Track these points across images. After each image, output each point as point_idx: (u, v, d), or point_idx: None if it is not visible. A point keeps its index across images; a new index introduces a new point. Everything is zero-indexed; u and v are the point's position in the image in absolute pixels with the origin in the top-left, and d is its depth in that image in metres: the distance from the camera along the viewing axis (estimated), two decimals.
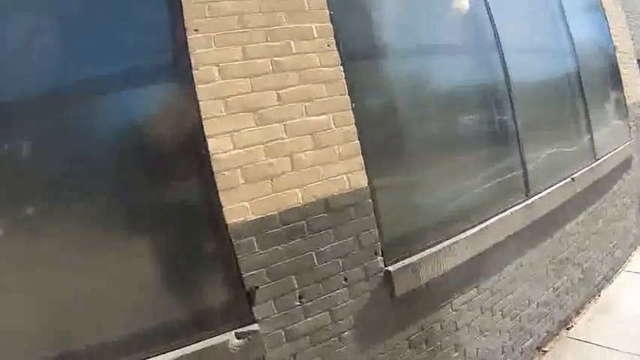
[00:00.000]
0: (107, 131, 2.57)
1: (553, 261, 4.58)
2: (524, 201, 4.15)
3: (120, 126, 2.61)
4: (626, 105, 6.71)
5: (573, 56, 5.50)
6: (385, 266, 3.10)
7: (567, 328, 4.86)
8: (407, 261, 3.20)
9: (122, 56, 2.57)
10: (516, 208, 4.02)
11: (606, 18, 6.69)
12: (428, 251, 3.31)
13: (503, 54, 4.24)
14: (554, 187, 4.49)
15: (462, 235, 3.54)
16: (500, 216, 3.86)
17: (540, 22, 5.35)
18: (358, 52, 3.22)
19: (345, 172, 2.96)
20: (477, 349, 3.73)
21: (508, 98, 4.21)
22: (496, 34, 4.24)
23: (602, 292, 5.53)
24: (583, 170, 5.04)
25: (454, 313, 3.54)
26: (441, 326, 3.46)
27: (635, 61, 7.67)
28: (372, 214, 3.06)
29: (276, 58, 2.78)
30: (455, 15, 4.16)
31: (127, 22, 2.58)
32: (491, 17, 4.24)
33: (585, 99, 5.48)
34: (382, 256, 3.10)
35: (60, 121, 2.40)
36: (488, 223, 3.74)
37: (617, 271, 5.98)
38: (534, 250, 4.31)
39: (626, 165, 6.32)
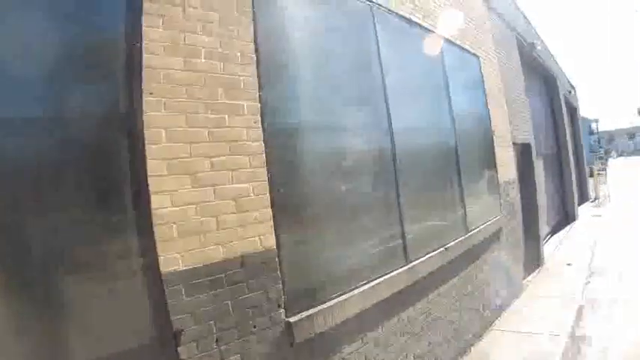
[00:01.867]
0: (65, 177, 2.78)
1: (428, 318, 5.59)
2: (404, 265, 5.12)
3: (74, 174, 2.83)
4: (498, 183, 8.12)
5: (453, 137, 6.83)
6: (287, 317, 3.75)
7: None
8: (305, 313, 3.89)
9: (82, 102, 2.85)
10: (398, 270, 4.98)
11: (487, 105, 8.17)
12: (324, 305, 4.05)
13: (393, 134, 5.31)
14: (430, 255, 5.55)
15: (353, 292, 4.37)
16: (384, 277, 4.77)
17: (427, 105, 6.60)
18: (278, 129, 3.82)
19: (259, 234, 3.50)
20: None
21: (394, 175, 5.25)
22: (389, 118, 5.33)
23: (473, 347, 6.64)
24: (455, 241, 6.20)
25: None
26: None
27: (511, 144, 9.24)
28: (278, 271, 3.71)
29: (212, 129, 3.23)
30: (357, 98, 5.14)
31: (93, 72, 2.91)
32: (386, 98, 5.34)
33: (461, 177, 6.77)
34: (285, 308, 3.75)
35: None
36: (374, 282, 4.62)
37: (487, 328, 7.16)
38: (412, 308, 5.28)
39: (495, 236, 7.66)
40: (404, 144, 5.49)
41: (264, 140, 3.66)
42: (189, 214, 3.07)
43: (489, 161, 8.07)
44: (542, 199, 11.98)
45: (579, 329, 6.88)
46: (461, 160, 6.83)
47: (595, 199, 21.98)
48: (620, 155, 70.27)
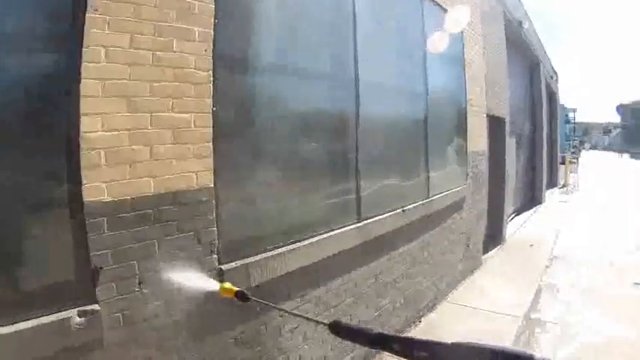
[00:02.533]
0: None
1: (377, 282, 5.31)
2: (356, 223, 4.82)
3: None
4: (467, 152, 7.84)
5: (424, 101, 6.47)
6: (219, 264, 3.45)
7: None
8: (240, 262, 3.59)
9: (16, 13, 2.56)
10: (349, 227, 4.67)
11: (465, 72, 7.82)
12: (262, 255, 3.75)
13: (359, 89, 4.94)
14: (385, 215, 5.25)
15: (296, 245, 4.06)
16: (332, 233, 4.46)
17: (400, 66, 6.20)
18: (230, 62, 3.58)
19: (196, 171, 3.19)
20: (300, 356, 4.27)
21: (354, 128, 4.89)
22: (357, 71, 4.94)
23: (424, 319, 6.42)
24: (415, 204, 5.91)
25: (280, 318, 4.03)
26: (267, 329, 3.93)
27: (485, 116, 8.95)
28: (214, 213, 3.39)
29: (158, 52, 2.94)
30: (324, 45, 4.75)
31: None
32: (355, 55, 4.95)
33: (427, 140, 6.44)
34: (218, 254, 3.44)
35: None
36: (321, 237, 4.32)
37: (441, 300, 6.95)
38: (361, 270, 5.00)
39: (457, 206, 7.40)
40: (369, 98, 5.13)
41: (213, 71, 3.33)
42: (121, 141, 2.78)
43: (460, 129, 7.77)
44: (511, 176, 11.80)
45: (535, 312, 6.73)
46: (430, 123, 6.50)
47: (564, 185, 22.13)
48: (593, 148, 71.28)
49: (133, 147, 2.83)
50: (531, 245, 10.39)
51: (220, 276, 3.37)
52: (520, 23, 12.63)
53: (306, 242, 4.18)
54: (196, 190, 3.22)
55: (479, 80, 8.57)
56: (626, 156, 53.76)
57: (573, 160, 25.23)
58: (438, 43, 6.77)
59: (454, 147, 7.56)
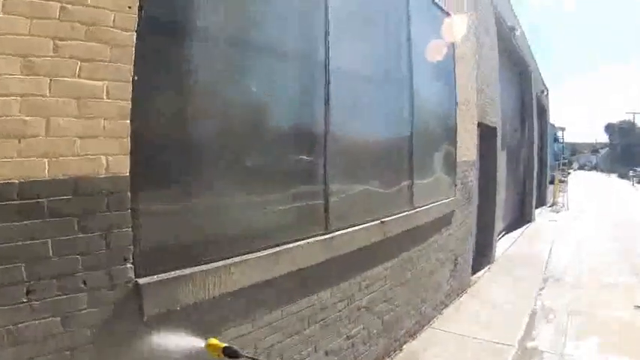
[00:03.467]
0: None
1: (350, 306, 4.54)
2: (322, 234, 4.05)
3: None
4: (455, 162, 7.10)
5: (409, 99, 5.70)
6: (136, 277, 2.69)
7: None
8: (165, 276, 2.82)
9: None
10: (313, 240, 3.90)
11: (455, 73, 7.11)
12: (196, 268, 2.99)
13: (329, 73, 4.19)
14: (359, 227, 4.48)
15: (243, 258, 3.29)
16: (292, 245, 3.70)
17: (382, 57, 5.45)
18: (161, 27, 2.89)
19: (106, 153, 2.52)
20: None
21: (323, 119, 4.14)
22: (327, 53, 4.20)
23: (405, 346, 5.64)
24: (396, 216, 5.14)
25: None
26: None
27: (476, 123, 8.24)
28: (128, 209, 2.63)
29: (67, 5, 2.37)
30: (289, 19, 3.97)
31: None
32: (327, 34, 4.20)
33: (412, 144, 5.68)
34: (134, 264, 2.68)
35: None
36: (277, 249, 3.55)
37: (424, 326, 6.17)
38: (330, 291, 4.23)
39: (445, 220, 6.64)
40: (342, 86, 4.38)
41: (138, 32, 2.65)
42: (9, 109, 2.19)
43: (448, 135, 7.05)
44: (502, 191, 11.09)
45: (530, 340, 5.95)
46: (415, 126, 5.75)
47: (553, 204, 21.63)
48: (581, 168, 71.43)
49: (25, 118, 2.23)
50: (522, 265, 9.67)
51: (136, 293, 2.65)
52: (512, 29, 12.09)
53: (257, 255, 3.41)
54: (106, 177, 2.52)
55: (470, 80, 7.87)
56: (613, 176, 53.89)
57: (563, 179, 24.78)
58: (426, 40, 6.08)
59: (442, 154, 6.81)
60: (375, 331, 5.03)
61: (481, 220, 8.77)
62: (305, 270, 3.81)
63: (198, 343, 2.68)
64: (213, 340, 2.61)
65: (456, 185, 7.09)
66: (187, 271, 2.93)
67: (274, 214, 3.68)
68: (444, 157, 6.85)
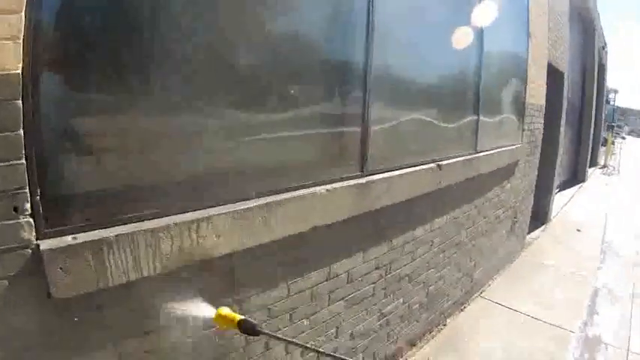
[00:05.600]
0: None
1: (386, 276, 3.19)
2: (355, 178, 2.66)
3: None
4: (524, 105, 5.54)
5: (479, 30, 4.11)
6: (37, 239, 1.48)
7: None
8: (84, 236, 1.57)
9: None
10: (339, 185, 2.51)
11: (529, 12, 5.47)
12: (140, 225, 1.71)
13: None
14: (406, 171, 3.05)
15: (219, 211, 1.96)
16: (303, 191, 2.34)
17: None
18: None
19: None
20: None
21: (364, 33, 2.68)
22: None
23: (450, 320, 4.32)
24: (455, 159, 3.68)
25: (187, 339, 2.00)
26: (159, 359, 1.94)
27: (546, 63, 6.59)
28: (21, 129, 1.39)
29: None
30: None
31: None
32: None
33: (480, 79, 4.13)
34: (34, 218, 1.47)
35: None
36: (276, 198, 2.20)
37: (473, 296, 4.81)
38: (359, 256, 2.88)
39: (509, 170, 5.14)
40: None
41: None
42: None
43: (519, 71, 5.42)
44: (562, 145, 9.38)
45: (592, 327, 4.44)
46: (484, 56, 4.18)
47: (604, 166, 19.59)
48: (629, 134, 67.62)
49: None
50: (579, 230, 8.06)
51: (36, 261, 1.47)
52: None
53: (243, 206, 2.06)
54: None
55: (542, 17, 6.14)
56: None
57: (615, 141, 22.64)
58: None
59: (511, 93, 5.21)
60: (416, 306, 3.70)
61: (540, 174, 7.19)
62: (322, 229, 2.46)
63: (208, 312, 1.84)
64: (225, 311, 1.79)
65: (523, 130, 5.54)
66: (128, 228, 1.68)
67: (278, 145, 2.30)
68: (513, 97, 5.27)
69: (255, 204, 2.08)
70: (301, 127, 2.39)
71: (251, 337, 2.11)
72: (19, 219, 1.42)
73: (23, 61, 1.37)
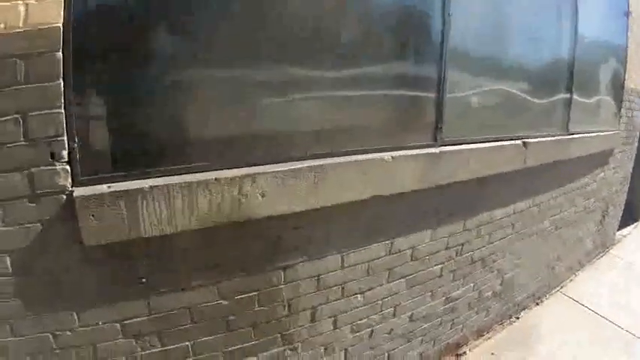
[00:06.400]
0: None
1: (457, 257, 2.88)
2: (426, 147, 2.37)
3: None
4: (623, 86, 4.95)
5: (573, 13, 3.62)
6: (73, 185, 1.46)
7: (456, 355, 3.26)
8: (118, 186, 1.50)
9: None
10: (409, 153, 2.24)
11: None
12: (177, 179, 1.59)
13: None
14: (486, 145, 2.71)
15: (272, 167, 1.79)
16: (367, 156, 2.09)
17: None
18: None
19: None
20: None
21: None
22: None
23: (523, 314, 3.93)
24: (545, 139, 3.27)
25: (220, 302, 1.88)
26: (191, 316, 1.82)
27: None
28: (61, 79, 1.38)
29: None
30: None
31: None
32: None
33: (574, 54, 3.65)
34: (70, 164, 1.45)
35: None
36: (339, 160, 1.99)
37: (552, 289, 4.38)
38: (427, 233, 2.60)
39: (603, 158, 4.61)
40: None
41: None
42: None
43: (617, 51, 4.81)
44: None
45: None
46: (579, 31, 3.67)
47: None
48: None
49: None
50: None
51: (70, 208, 1.46)
52: None
53: (294, 166, 1.89)
54: (23, 33, 1.35)
55: None
56: None
57: None
58: None
59: (608, 72, 4.63)
60: (488, 293, 3.36)
61: (637, 166, 6.49)
62: (385, 199, 2.21)
63: None
64: None
65: (620, 116, 4.95)
66: (159, 181, 1.58)
67: (337, 104, 2.06)
68: (611, 77, 4.71)
69: (305, 165, 1.87)
70: (366, 87, 2.14)
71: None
72: (55, 165, 1.43)
73: (63, 15, 1.37)
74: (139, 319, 1.68)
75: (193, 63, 1.65)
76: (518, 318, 3.87)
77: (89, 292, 1.56)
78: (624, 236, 6.48)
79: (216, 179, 1.64)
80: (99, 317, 1.60)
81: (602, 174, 4.68)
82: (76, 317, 1.56)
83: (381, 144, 2.19)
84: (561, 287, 4.51)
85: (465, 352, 3.30)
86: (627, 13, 4.94)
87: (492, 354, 3.34)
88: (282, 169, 1.81)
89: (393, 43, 2.23)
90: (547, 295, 4.28)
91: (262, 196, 1.75)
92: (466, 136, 2.62)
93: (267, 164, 1.82)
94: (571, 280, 4.69)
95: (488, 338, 3.53)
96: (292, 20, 1.86)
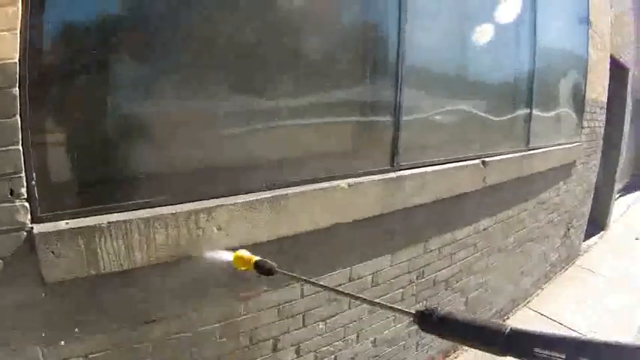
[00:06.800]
0: None
1: (419, 280, 2.86)
2: (383, 172, 2.34)
3: None
4: (584, 98, 5.05)
5: (531, 28, 3.68)
6: (32, 222, 1.44)
7: None
8: (77, 222, 1.49)
9: None
10: (364, 179, 2.22)
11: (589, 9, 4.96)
12: (133, 214, 1.58)
13: None
14: (445, 167, 2.70)
15: (228, 200, 1.76)
16: (324, 185, 2.06)
17: None
18: None
19: None
20: None
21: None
22: None
23: None
24: (504, 156, 3.29)
25: (182, 335, 1.83)
26: (154, 348, 1.76)
27: (609, 56, 6.02)
28: (18, 116, 1.36)
29: None
30: None
31: None
32: None
33: (534, 69, 3.70)
34: (29, 202, 1.43)
35: None
36: (295, 190, 1.95)
37: (519, 305, 4.40)
38: (387, 258, 2.57)
39: (565, 171, 4.68)
40: None
41: None
42: None
43: (578, 63, 4.92)
44: (625, 146, 8.68)
45: None
46: (537, 45, 3.72)
47: None
48: None
49: None
50: (637, 239, 7.40)
51: (30, 244, 1.43)
52: None
53: (252, 197, 1.86)
54: None
55: (603, 7, 5.58)
56: None
57: None
58: None
59: (569, 84, 4.72)
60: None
61: (600, 177, 6.62)
62: (344, 227, 2.18)
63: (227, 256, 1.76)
64: (243, 252, 1.73)
65: (582, 128, 5.04)
66: (117, 216, 1.57)
67: (292, 133, 2.03)
68: (571, 89, 4.79)
69: (263, 196, 1.83)
70: (322, 114, 2.12)
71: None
72: (14, 202, 1.41)
73: (19, 50, 1.35)
74: (102, 352, 1.63)
75: (149, 98, 1.63)
76: None
77: (54, 328, 1.52)
78: (590, 247, 6.59)
79: (172, 214, 1.61)
80: (65, 352, 1.56)
81: (565, 186, 4.75)
82: (40, 354, 1.50)
83: (339, 171, 2.16)
84: (527, 302, 4.54)
85: None
86: (588, 24, 5.04)
87: None
88: (240, 201, 1.77)
89: (348, 68, 2.21)
90: (513, 311, 4.31)
91: (219, 229, 1.73)
92: (424, 159, 2.61)
93: (225, 197, 1.78)
94: (537, 295, 4.73)
95: (456, 358, 3.52)
96: (247, 51, 1.83)
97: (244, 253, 1.72)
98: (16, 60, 1.33)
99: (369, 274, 2.48)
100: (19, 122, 1.35)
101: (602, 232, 7.36)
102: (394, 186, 2.34)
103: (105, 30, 1.51)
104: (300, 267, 2.11)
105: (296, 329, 2.23)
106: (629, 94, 7.82)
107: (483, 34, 3.14)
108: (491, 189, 3.19)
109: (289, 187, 1.96)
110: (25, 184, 1.39)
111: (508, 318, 4.17)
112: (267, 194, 1.87)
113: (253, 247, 1.86)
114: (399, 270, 2.66)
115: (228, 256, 1.75)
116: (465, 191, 2.91)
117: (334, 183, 2.09)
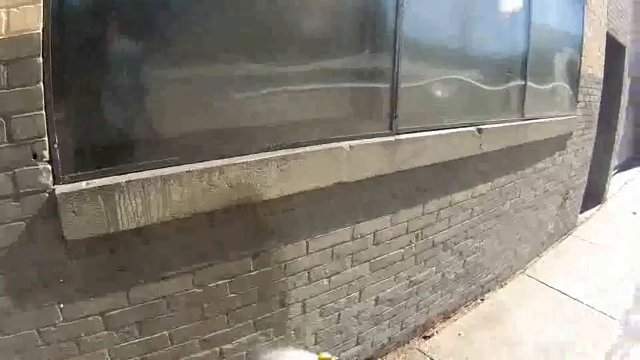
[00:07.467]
0: None
1: (418, 241, 3.05)
2: (383, 136, 2.52)
3: None
4: (579, 72, 5.19)
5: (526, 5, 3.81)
6: (54, 183, 1.57)
7: (424, 337, 3.43)
8: (97, 182, 1.62)
9: None
10: (365, 142, 2.39)
11: None
12: (150, 173, 1.72)
13: None
14: (441, 132, 2.88)
15: (239, 159, 1.93)
16: (328, 146, 2.24)
17: None
18: None
19: (5, 6, 1.41)
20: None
21: None
22: None
23: (489, 296, 4.13)
24: (499, 125, 3.46)
25: (195, 290, 2.00)
26: (169, 304, 1.93)
27: (606, 32, 6.15)
28: (41, 83, 1.48)
29: None
30: None
31: None
32: None
33: (529, 43, 3.85)
34: (51, 163, 1.55)
35: None
36: (301, 150, 2.13)
37: (516, 272, 4.60)
38: (388, 218, 2.75)
39: (561, 142, 4.84)
40: None
41: None
42: None
43: (573, 40, 5.06)
44: (622, 122, 8.82)
45: (638, 315, 4.02)
46: (533, 17, 3.85)
47: None
48: None
49: None
50: (634, 213, 7.56)
51: (52, 205, 1.56)
52: None
53: (260, 156, 2.03)
54: (4, 40, 1.43)
55: None
56: None
57: None
58: None
59: (564, 58, 4.86)
60: (452, 276, 3.55)
61: (596, 150, 6.79)
62: (347, 186, 2.36)
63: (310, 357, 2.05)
64: (325, 355, 1.99)
65: (578, 101, 5.20)
66: (135, 175, 1.71)
67: (298, 98, 2.20)
68: (567, 64, 4.95)
69: (271, 156, 2.00)
70: (324, 80, 2.28)
71: None
72: (37, 165, 1.52)
73: (42, 21, 1.46)
74: (119, 310, 1.79)
75: (164, 63, 1.77)
76: (483, 300, 4.07)
77: (72, 286, 1.66)
78: (587, 218, 6.78)
79: (187, 171, 1.76)
80: (82, 310, 1.70)
81: (561, 158, 4.92)
82: (59, 311, 1.65)
83: (341, 134, 2.33)
84: (525, 269, 4.74)
85: (432, 335, 3.47)
86: (584, 2, 5.17)
87: (459, 335, 3.52)
88: (250, 159, 1.94)
89: (349, 37, 2.37)
90: (511, 277, 4.50)
91: (230, 186, 1.88)
92: (422, 124, 2.78)
93: (235, 156, 1.94)
94: (534, 262, 4.93)
95: (455, 320, 3.71)
96: (252, 18, 1.98)
97: (326, 355, 1.97)
98: (40, 30, 1.46)
99: (370, 234, 2.66)
100: (42, 89, 1.48)
101: (599, 205, 7.54)
102: (392, 148, 2.51)
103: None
104: (308, 223, 2.29)
105: (302, 285, 2.41)
106: (626, 70, 7.95)
107: (480, 6, 3.29)
108: (487, 156, 3.37)
109: (295, 147, 2.13)
110: (47, 147, 1.52)
111: (506, 283, 4.37)
112: (275, 154, 2.04)
113: (263, 204, 2.04)
114: (399, 230, 2.84)
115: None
116: (462, 156, 3.08)
117: (337, 145, 2.26)
